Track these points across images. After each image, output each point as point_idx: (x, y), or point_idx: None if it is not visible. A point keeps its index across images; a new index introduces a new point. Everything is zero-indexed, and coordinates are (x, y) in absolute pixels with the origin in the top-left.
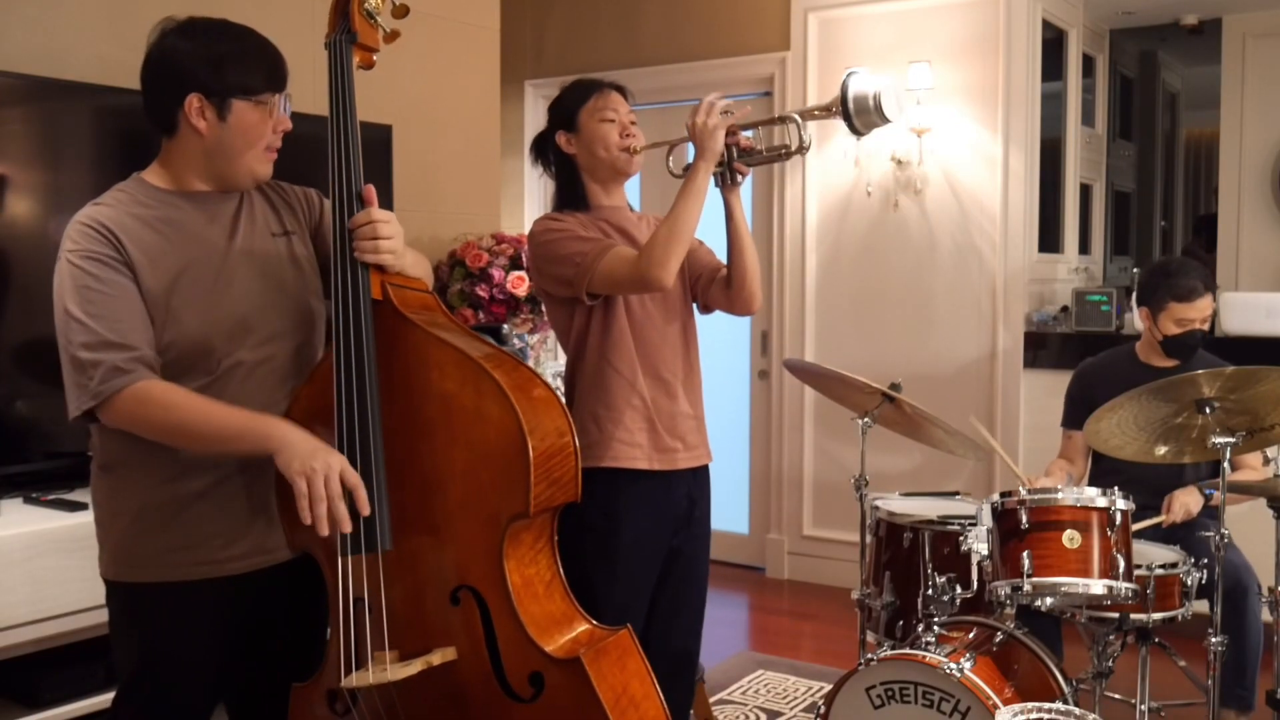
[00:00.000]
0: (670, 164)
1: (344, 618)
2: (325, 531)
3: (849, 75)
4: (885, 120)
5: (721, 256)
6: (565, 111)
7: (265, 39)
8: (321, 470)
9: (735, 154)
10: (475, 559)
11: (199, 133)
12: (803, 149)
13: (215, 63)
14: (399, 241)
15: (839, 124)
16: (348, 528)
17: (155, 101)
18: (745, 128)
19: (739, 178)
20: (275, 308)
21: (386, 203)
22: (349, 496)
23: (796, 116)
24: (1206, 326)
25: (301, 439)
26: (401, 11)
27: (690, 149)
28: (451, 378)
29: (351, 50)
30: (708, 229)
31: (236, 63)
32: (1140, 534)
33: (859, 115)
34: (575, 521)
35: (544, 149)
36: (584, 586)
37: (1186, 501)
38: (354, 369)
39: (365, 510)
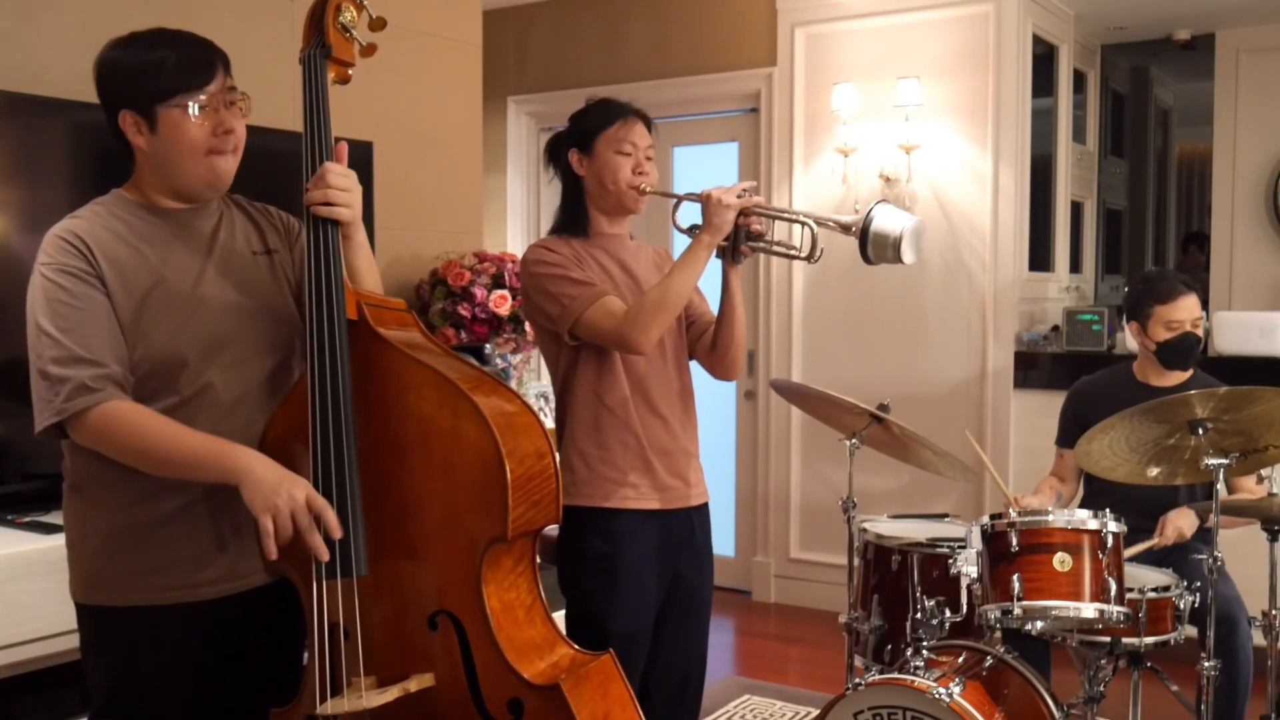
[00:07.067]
0: (677, 218)
1: (320, 643)
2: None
3: (877, 205)
4: (899, 261)
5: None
6: (584, 131)
7: (195, 39)
8: (286, 506)
9: (744, 236)
10: (453, 584)
11: (142, 149)
12: (811, 259)
13: (137, 74)
14: (354, 197)
15: (829, 138)
16: (325, 557)
17: (108, 122)
18: (761, 215)
19: (742, 257)
20: (252, 326)
21: (367, 220)
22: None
23: (813, 224)
24: (1199, 331)
25: (265, 470)
26: (379, 24)
27: (693, 208)
28: (428, 399)
29: (326, 65)
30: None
31: (156, 70)
32: (1133, 557)
33: (874, 248)
34: (576, 552)
35: (557, 154)
36: (588, 617)
37: (1180, 524)
38: (329, 391)
39: (337, 534)
